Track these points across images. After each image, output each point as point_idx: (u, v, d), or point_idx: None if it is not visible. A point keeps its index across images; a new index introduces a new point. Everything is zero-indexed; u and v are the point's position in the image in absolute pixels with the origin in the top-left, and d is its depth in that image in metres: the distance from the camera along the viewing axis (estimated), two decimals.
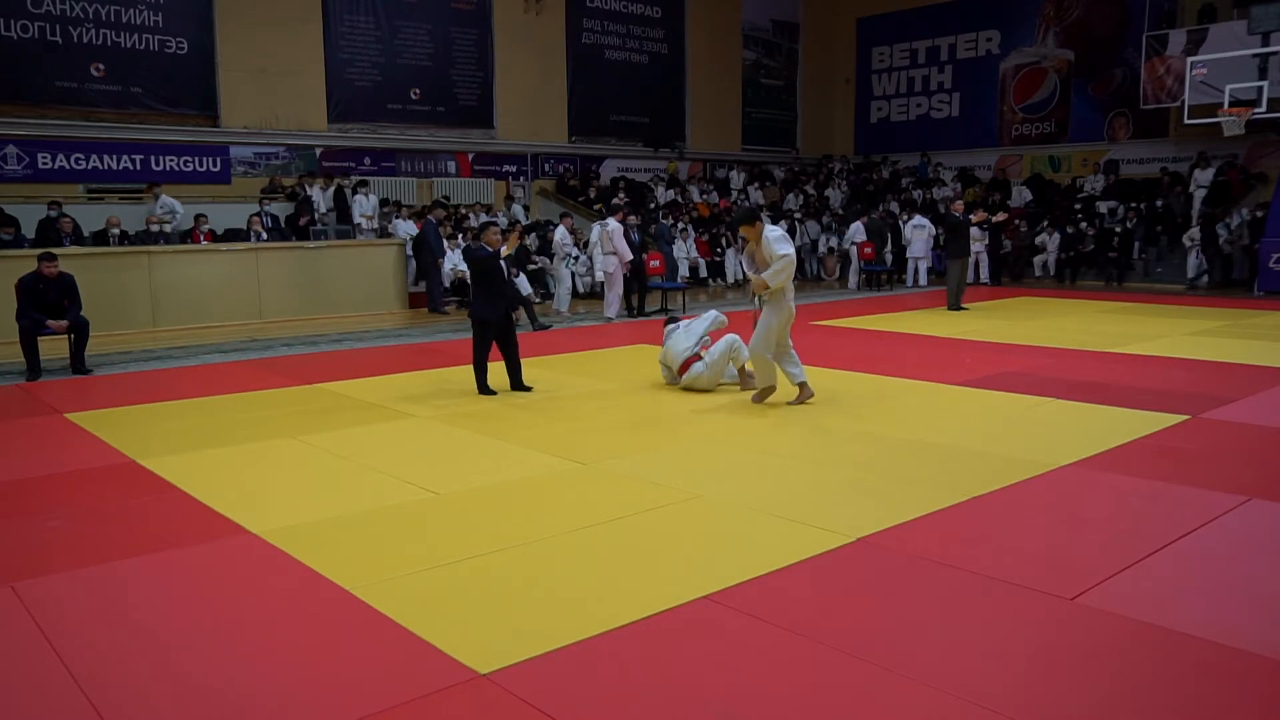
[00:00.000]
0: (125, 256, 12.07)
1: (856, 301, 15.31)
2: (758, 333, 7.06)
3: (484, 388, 7.70)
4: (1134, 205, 18.38)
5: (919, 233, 17.80)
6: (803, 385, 7.16)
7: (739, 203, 20.98)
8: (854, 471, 5.40)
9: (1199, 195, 17.66)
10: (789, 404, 7.12)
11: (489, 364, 7.79)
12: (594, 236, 13.81)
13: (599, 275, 14.10)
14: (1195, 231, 16.58)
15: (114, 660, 3.25)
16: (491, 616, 3.53)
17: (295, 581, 3.90)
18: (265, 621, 3.53)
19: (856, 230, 18.07)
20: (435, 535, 4.46)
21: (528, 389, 7.82)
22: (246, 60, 15.72)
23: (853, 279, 17.85)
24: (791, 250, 6.87)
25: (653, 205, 19.11)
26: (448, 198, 17.55)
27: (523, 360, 8.03)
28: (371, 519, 4.69)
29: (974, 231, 15.42)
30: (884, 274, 17.94)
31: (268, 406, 7.45)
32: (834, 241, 20.06)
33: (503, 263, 7.74)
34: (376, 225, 15.57)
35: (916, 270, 17.97)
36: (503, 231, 8.14)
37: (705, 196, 20.95)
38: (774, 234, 6.93)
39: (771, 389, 7.20)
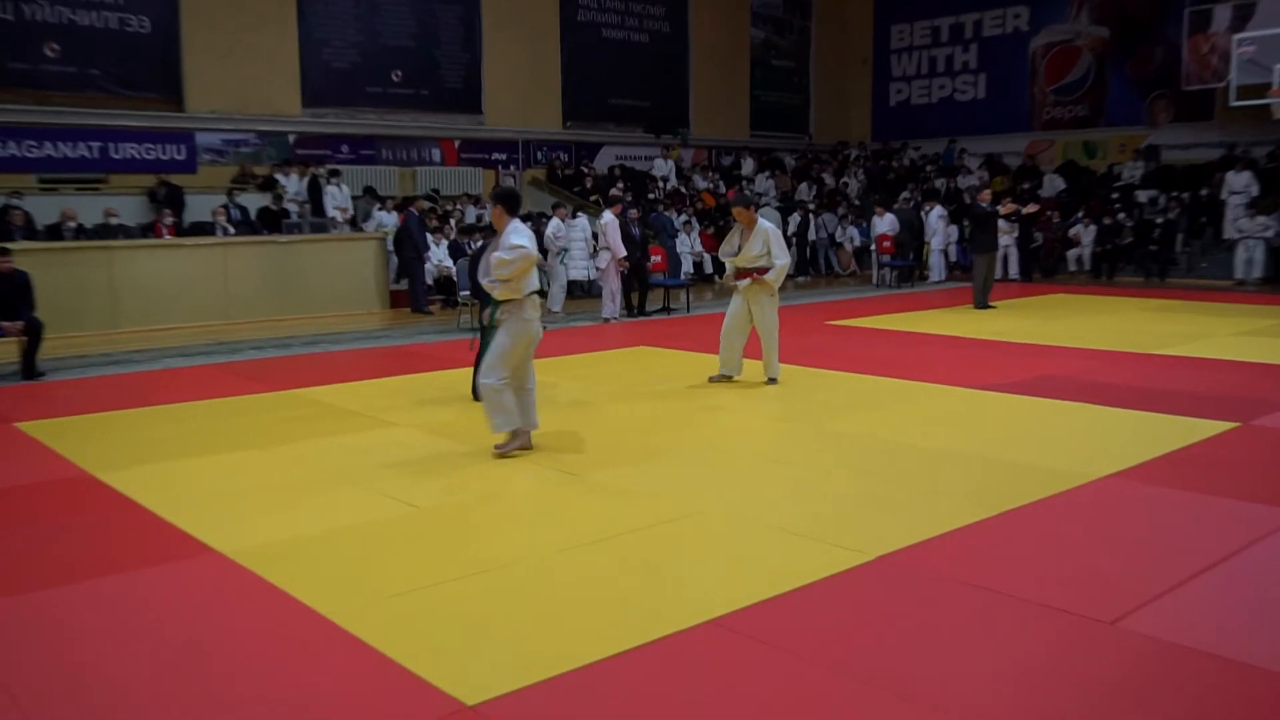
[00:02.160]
0: (82, 252, 12.07)
1: (875, 299, 15.30)
2: (488, 357, 6.08)
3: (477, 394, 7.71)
4: (1176, 194, 18.37)
5: (942, 223, 17.96)
6: (516, 433, 6.09)
7: (743, 191, 21.00)
8: (873, 483, 5.39)
9: (1233, 202, 17.36)
10: (495, 449, 6.12)
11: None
12: (550, 230, 13.81)
13: (575, 273, 14.17)
14: (1245, 221, 16.54)
15: (63, 696, 3.23)
16: (479, 643, 3.52)
17: (266, 605, 3.88)
18: (232, 649, 3.50)
19: (890, 222, 17.88)
20: (418, 554, 4.44)
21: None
22: (213, 40, 15.73)
23: (877, 275, 17.87)
24: (529, 248, 5.89)
25: (652, 195, 19.11)
26: (437, 190, 17.56)
27: None
28: (349, 537, 4.67)
29: (1002, 224, 15.42)
30: (909, 269, 17.93)
31: (236, 415, 7.43)
32: (853, 233, 20.07)
33: None
34: (350, 217, 15.56)
35: (938, 263, 18.08)
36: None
37: (711, 185, 20.97)
38: (515, 227, 6.01)
39: (522, 435, 6.12)
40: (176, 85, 15.63)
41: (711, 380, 8.22)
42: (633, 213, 13.80)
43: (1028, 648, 3.42)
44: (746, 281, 8.04)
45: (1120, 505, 5.03)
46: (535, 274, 6.03)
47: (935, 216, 18.17)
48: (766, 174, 22.02)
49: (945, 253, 18.41)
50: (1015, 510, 4.88)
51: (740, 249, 8.05)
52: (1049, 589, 3.89)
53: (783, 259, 7.95)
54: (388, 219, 15.33)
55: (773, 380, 8.10)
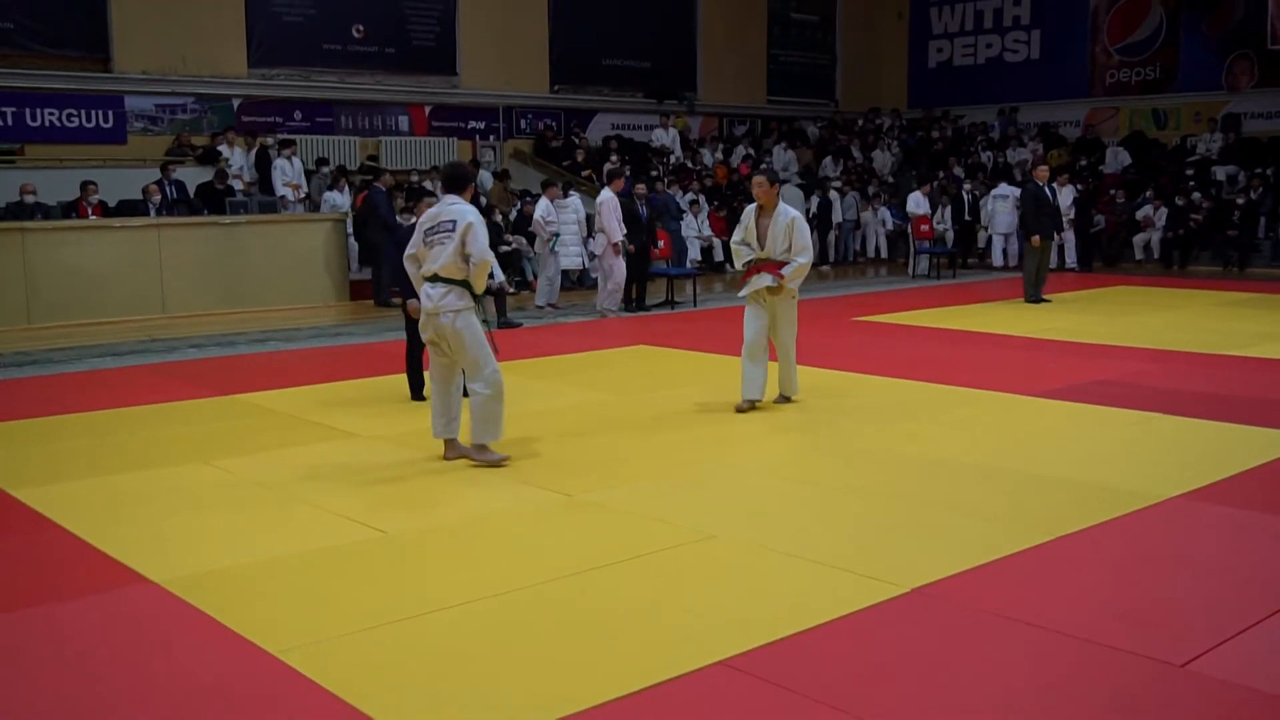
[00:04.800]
0: None
1: (910, 292, 15.32)
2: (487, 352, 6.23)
3: (417, 393, 8.00)
4: (1260, 171, 18.40)
5: (1002, 204, 18.00)
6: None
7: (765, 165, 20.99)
8: (907, 505, 5.41)
9: None
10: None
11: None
12: (539, 212, 13.91)
13: (568, 261, 14.23)
14: None
15: None
16: (453, 687, 3.53)
17: (206, 642, 3.89)
18: (168, 692, 3.52)
19: (917, 201, 17.99)
20: (384, 585, 4.46)
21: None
22: None
23: (913, 264, 17.91)
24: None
25: (655, 171, 19.13)
26: (375, 158, 17.40)
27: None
28: (302, 565, 4.69)
29: (1062, 204, 15.43)
30: (951, 257, 17.94)
31: (172, 423, 7.44)
32: (885, 215, 20.10)
33: None
34: (303, 195, 15.57)
35: (1004, 250, 18.37)
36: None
37: (723, 156, 20.96)
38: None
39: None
40: (103, 41, 15.63)
41: (739, 410, 7.47)
42: (639, 188, 13.85)
43: (1086, 693, 3.44)
44: (767, 280, 7.37)
45: (1191, 530, 5.05)
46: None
47: (995, 196, 18.19)
48: (784, 145, 22.01)
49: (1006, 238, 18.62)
50: (1070, 536, 4.89)
51: (761, 240, 7.43)
52: (1109, 626, 3.91)
53: (805, 256, 7.42)
54: (341, 200, 15.29)
55: (786, 399, 7.70)
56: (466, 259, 6.00)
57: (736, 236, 7.74)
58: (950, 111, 24.12)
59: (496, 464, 6.15)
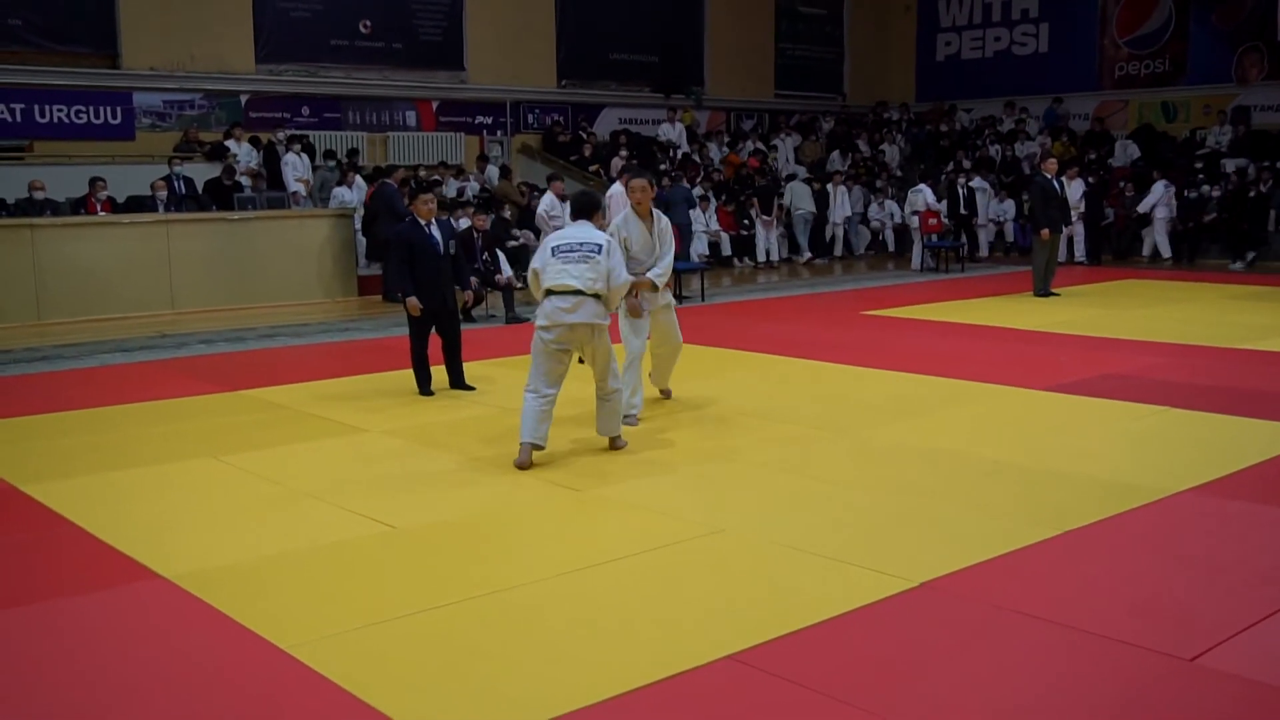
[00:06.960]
0: (2, 231, 12.10)
1: (918, 285, 15.28)
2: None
3: (424, 388, 8.10)
4: (1270, 164, 18.32)
5: (980, 197, 18.76)
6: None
7: (768, 163, 20.95)
8: (916, 499, 5.40)
9: None
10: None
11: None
12: (543, 207, 13.89)
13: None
14: None
15: None
16: (462, 681, 3.54)
17: (216, 637, 3.91)
18: (177, 689, 3.53)
19: (928, 195, 17.97)
20: (391, 580, 4.47)
21: (470, 388, 8.17)
22: None
23: (916, 258, 17.87)
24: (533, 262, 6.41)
25: (663, 165, 19.11)
26: (356, 151, 17.33)
27: (498, 361, 8.09)
28: (311, 559, 4.70)
29: (1072, 198, 15.41)
30: (955, 250, 17.93)
31: (182, 419, 7.46)
32: (893, 209, 20.07)
33: (437, 237, 8.08)
34: (313, 190, 15.57)
35: (991, 240, 19.07)
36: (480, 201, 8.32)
37: (737, 147, 20.86)
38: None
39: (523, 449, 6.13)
40: (111, 38, 15.64)
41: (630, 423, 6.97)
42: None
43: (1094, 687, 3.44)
44: (667, 297, 7.36)
45: (1199, 524, 5.03)
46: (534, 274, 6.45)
47: (975, 189, 18.76)
48: (784, 134, 21.90)
49: (1000, 230, 18.96)
50: (1079, 530, 4.88)
51: (637, 248, 7.03)
52: (1118, 621, 3.90)
53: (668, 255, 7.16)
54: (351, 196, 15.27)
55: (667, 394, 7.77)
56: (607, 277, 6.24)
57: (624, 259, 6.91)
58: (958, 105, 24.05)
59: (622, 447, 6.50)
